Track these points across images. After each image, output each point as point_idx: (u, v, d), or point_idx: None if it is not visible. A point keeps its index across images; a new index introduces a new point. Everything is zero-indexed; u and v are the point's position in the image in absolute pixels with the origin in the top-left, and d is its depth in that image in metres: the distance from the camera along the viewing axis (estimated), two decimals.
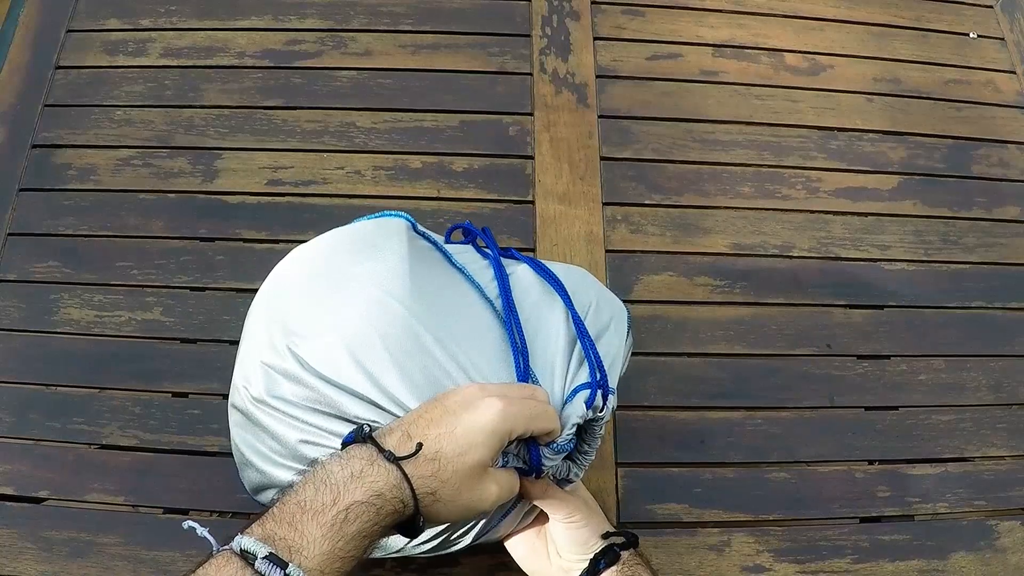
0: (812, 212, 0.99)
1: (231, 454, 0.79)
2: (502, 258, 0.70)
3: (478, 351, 0.61)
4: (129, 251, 0.90)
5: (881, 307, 0.94)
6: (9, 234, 0.91)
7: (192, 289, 0.89)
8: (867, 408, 0.88)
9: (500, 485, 0.56)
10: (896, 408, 0.88)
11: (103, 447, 0.80)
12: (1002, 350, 0.93)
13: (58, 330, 0.86)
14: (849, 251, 0.97)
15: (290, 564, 0.45)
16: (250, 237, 0.92)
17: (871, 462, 0.85)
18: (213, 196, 0.94)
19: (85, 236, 0.91)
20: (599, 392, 0.61)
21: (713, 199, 0.99)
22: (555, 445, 0.59)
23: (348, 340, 0.58)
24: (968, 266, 0.98)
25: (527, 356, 0.62)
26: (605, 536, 0.66)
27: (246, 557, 0.45)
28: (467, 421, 0.53)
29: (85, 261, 0.90)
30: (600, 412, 0.61)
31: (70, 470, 0.79)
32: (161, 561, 0.74)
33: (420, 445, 0.51)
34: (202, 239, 0.92)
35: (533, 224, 0.94)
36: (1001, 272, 0.98)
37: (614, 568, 0.64)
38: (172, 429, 0.81)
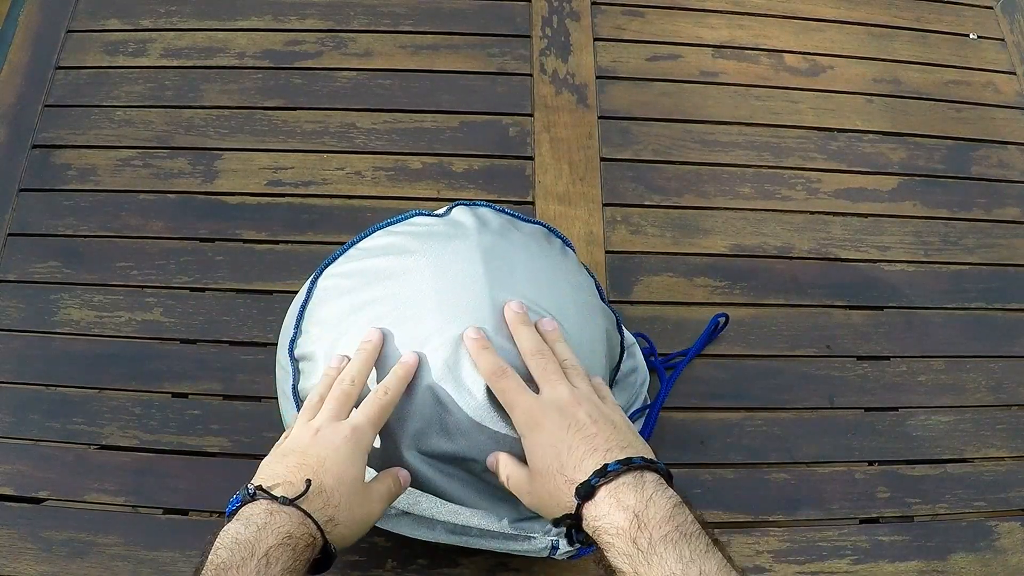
0: (812, 213, 0.99)
1: (231, 454, 0.80)
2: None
3: None
4: (129, 251, 0.90)
5: (881, 308, 0.94)
6: (9, 234, 0.91)
7: (192, 289, 0.89)
8: (867, 409, 0.88)
9: (382, 492, 0.61)
10: (896, 409, 0.88)
11: (103, 447, 0.80)
12: (1002, 351, 0.93)
13: (58, 330, 0.86)
14: (849, 252, 0.97)
15: None
16: (250, 237, 0.92)
17: (871, 463, 0.85)
18: (213, 196, 0.94)
19: (85, 236, 0.91)
20: None
21: (713, 200, 0.99)
22: None
23: None
24: (968, 267, 0.98)
25: None
26: (556, 523, 0.56)
27: None
28: (328, 452, 0.57)
29: (85, 261, 0.90)
30: None
31: (70, 470, 0.79)
32: (161, 561, 0.74)
33: (309, 482, 0.54)
34: (202, 239, 0.92)
35: None
36: (1001, 273, 0.98)
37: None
38: (172, 429, 0.81)
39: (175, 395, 0.83)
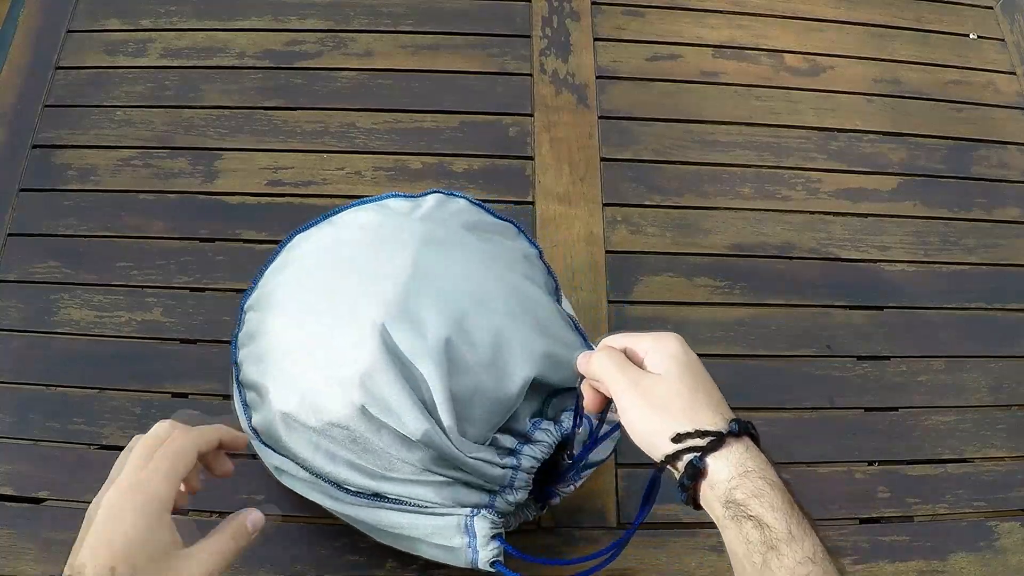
0: (812, 213, 0.99)
1: (231, 454, 0.79)
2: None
3: None
4: (129, 251, 0.90)
5: (881, 308, 0.94)
6: (9, 234, 0.91)
7: (192, 289, 0.89)
8: (867, 409, 0.88)
9: (209, 554, 0.52)
10: (896, 409, 0.88)
11: (103, 447, 0.80)
12: (1002, 351, 0.93)
13: (58, 330, 0.86)
14: (849, 252, 0.97)
15: None
16: (250, 238, 0.92)
17: (871, 463, 0.85)
18: (213, 196, 0.94)
19: (85, 236, 0.91)
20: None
21: (713, 200, 0.99)
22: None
23: None
24: (968, 267, 0.98)
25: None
26: (677, 439, 0.51)
27: None
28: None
29: (85, 261, 0.90)
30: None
31: (70, 470, 0.78)
32: None
33: None
34: (202, 239, 0.92)
35: (533, 225, 0.94)
36: (1001, 273, 0.98)
37: (724, 483, 0.50)
38: None
39: (175, 395, 0.83)
